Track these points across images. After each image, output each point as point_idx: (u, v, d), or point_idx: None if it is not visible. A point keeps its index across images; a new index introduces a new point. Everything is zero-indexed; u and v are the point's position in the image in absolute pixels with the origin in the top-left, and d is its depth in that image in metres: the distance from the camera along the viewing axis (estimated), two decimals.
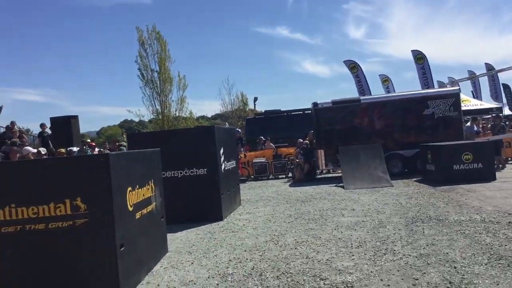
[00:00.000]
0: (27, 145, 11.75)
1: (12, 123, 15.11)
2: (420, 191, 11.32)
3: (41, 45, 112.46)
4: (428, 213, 8.42)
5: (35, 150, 10.76)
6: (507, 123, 19.02)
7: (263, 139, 19.97)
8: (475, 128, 18.08)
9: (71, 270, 4.84)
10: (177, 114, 30.32)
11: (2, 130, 15.14)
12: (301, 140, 17.47)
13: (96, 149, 14.31)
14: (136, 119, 35.51)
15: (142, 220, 5.80)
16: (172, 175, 9.45)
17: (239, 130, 19.63)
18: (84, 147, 13.84)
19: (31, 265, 4.85)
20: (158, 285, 5.42)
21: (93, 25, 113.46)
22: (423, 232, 6.95)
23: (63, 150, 12.24)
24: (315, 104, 16.49)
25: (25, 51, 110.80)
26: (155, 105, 29.64)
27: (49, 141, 13.99)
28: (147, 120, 32.97)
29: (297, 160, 16.79)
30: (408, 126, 15.70)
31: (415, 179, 13.89)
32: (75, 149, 13.43)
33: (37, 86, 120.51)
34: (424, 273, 5.01)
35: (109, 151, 11.30)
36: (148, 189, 6.16)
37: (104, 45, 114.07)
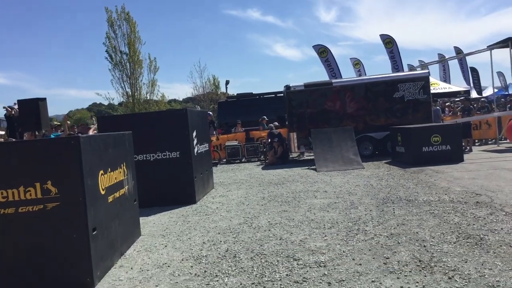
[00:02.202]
0: None
1: None
2: (390, 173, 11.52)
3: (7, 26, 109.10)
4: (398, 194, 8.58)
5: (2, 132, 10.50)
6: (474, 105, 19.42)
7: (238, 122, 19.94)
8: (446, 111, 18.48)
9: (43, 254, 4.76)
10: (148, 97, 29.97)
11: None
12: (272, 125, 17.49)
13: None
14: (106, 102, 34.98)
15: (114, 204, 5.73)
16: (145, 159, 9.36)
17: (211, 113, 19.47)
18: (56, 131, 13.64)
19: (1, 250, 4.75)
20: (131, 268, 5.40)
21: (61, 5, 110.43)
22: (394, 212, 7.09)
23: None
24: (287, 87, 16.51)
25: None
26: (125, 88, 29.24)
27: (16, 124, 13.67)
28: (117, 104, 32.47)
29: (269, 141, 16.83)
30: (378, 109, 15.87)
31: (385, 161, 14.12)
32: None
33: (2, 68, 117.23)
34: (395, 252, 5.12)
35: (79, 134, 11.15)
36: (120, 172, 6.09)
37: (72, 26, 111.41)
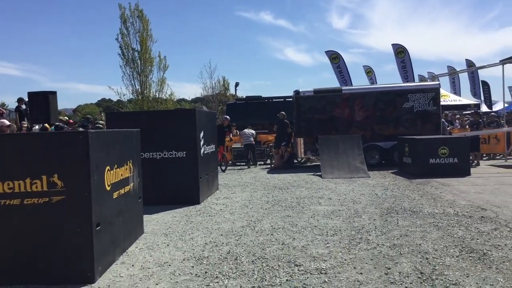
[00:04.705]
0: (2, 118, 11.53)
1: None
2: (396, 183, 11.48)
3: (21, 18, 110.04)
4: (402, 204, 8.55)
5: (10, 123, 10.58)
6: (484, 119, 19.31)
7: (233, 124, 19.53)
8: (456, 123, 18.43)
9: (46, 247, 4.79)
10: (157, 95, 30.01)
11: None
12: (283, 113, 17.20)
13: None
14: (115, 98, 35.07)
15: (119, 200, 5.76)
16: (151, 157, 9.40)
17: (228, 117, 19.13)
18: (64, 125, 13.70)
19: (5, 241, 4.78)
20: (132, 265, 5.41)
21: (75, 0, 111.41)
22: (397, 223, 7.06)
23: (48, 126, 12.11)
24: (297, 92, 16.51)
25: (4, 23, 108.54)
26: (135, 85, 29.26)
27: (26, 117, 13.79)
28: (125, 100, 32.54)
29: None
30: (387, 118, 15.85)
31: (391, 171, 14.08)
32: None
33: (15, 59, 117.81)
34: (397, 262, 5.11)
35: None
36: (126, 169, 6.11)
37: (85, 21, 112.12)
